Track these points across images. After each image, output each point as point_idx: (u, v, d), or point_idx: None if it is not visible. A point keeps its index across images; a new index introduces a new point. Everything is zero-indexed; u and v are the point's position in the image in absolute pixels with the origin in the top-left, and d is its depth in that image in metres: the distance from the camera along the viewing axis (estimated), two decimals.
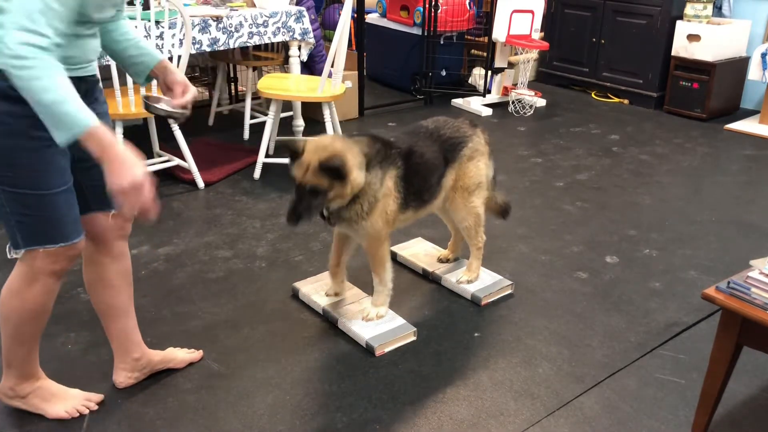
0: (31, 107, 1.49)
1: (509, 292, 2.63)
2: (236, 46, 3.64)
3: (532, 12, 4.84)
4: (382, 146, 2.18)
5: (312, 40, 3.96)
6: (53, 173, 1.65)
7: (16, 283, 1.76)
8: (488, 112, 4.99)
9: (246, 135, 4.31)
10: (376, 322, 2.33)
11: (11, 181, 1.61)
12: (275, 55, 4.36)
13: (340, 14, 3.79)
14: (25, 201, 1.64)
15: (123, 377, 2.05)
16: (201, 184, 3.52)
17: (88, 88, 1.72)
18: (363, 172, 2.08)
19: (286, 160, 3.63)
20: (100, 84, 1.81)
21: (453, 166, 2.40)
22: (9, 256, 1.74)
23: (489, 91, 5.16)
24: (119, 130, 3.18)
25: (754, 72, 4.66)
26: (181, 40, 3.36)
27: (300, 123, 4.17)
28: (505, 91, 5.19)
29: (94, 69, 1.74)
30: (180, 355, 2.17)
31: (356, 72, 4.71)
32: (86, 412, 1.96)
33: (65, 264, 1.75)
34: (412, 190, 2.25)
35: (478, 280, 2.61)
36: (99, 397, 2.00)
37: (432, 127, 2.38)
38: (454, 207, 2.48)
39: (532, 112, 5.04)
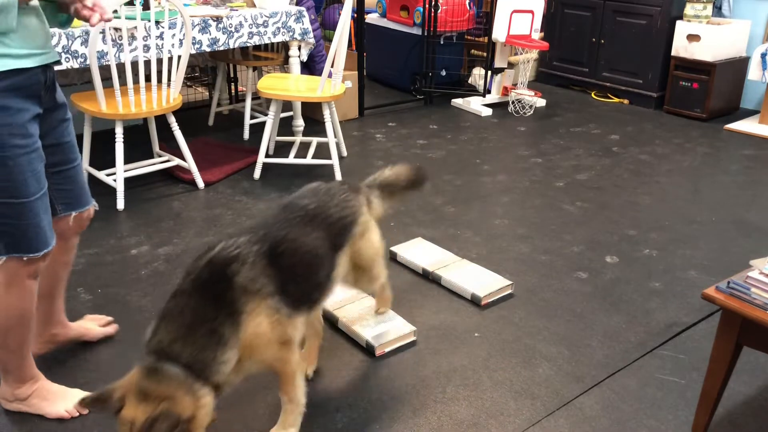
0: (11, 114, 1.52)
1: (509, 292, 2.63)
2: (236, 46, 3.64)
3: (532, 12, 4.85)
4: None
5: (312, 40, 3.96)
6: (30, 180, 1.64)
7: None
8: (488, 112, 4.99)
9: (246, 135, 4.31)
10: (377, 322, 2.33)
11: None
12: (275, 55, 4.36)
13: (340, 14, 3.79)
14: (6, 211, 1.63)
15: (36, 348, 2.10)
16: (201, 184, 3.52)
17: (53, 78, 1.72)
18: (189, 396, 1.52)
19: (286, 160, 3.64)
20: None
21: (344, 251, 1.93)
22: None
23: (489, 91, 5.16)
24: (119, 130, 3.18)
25: (754, 72, 4.66)
26: (181, 40, 3.36)
27: (300, 123, 4.17)
28: (505, 91, 5.19)
29: (55, 55, 1.71)
30: (93, 332, 2.24)
31: (356, 72, 4.71)
32: (86, 411, 1.96)
33: (41, 265, 1.77)
34: (294, 294, 1.71)
35: (477, 280, 2.61)
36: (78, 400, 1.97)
37: (313, 207, 1.86)
38: (357, 286, 2.10)
39: (532, 112, 5.04)
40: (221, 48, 3.57)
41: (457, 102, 5.19)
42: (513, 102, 5.10)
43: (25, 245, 1.68)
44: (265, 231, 1.75)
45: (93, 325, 2.26)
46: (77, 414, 1.95)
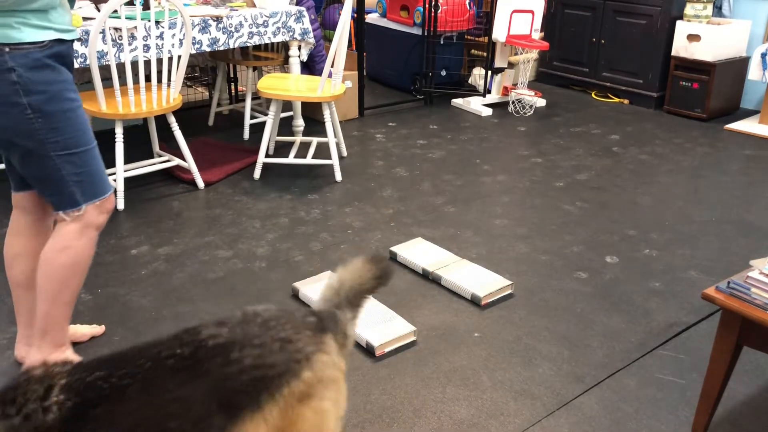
0: (63, 73, 1.75)
1: (509, 292, 2.63)
2: (236, 46, 3.64)
3: (532, 12, 4.85)
4: None
5: (312, 40, 3.96)
6: (87, 130, 1.86)
7: (62, 241, 1.87)
8: (488, 112, 4.99)
9: (246, 135, 4.31)
10: (376, 322, 2.33)
11: (61, 146, 1.78)
12: (275, 55, 4.36)
13: (340, 14, 3.79)
14: (78, 160, 1.82)
15: (24, 351, 2.08)
16: (201, 184, 3.52)
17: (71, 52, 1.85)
18: None
19: (286, 160, 3.64)
20: None
21: (253, 420, 1.26)
22: (68, 218, 1.87)
23: (489, 91, 5.16)
24: (119, 130, 3.18)
25: (754, 72, 4.66)
26: (181, 40, 3.36)
27: (300, 123, 4.17)
28: (505, 91, 5.19)
29: (76, 33, 1.86)
30: (81, 330, 2.24)
31: (356, 72, 4.71)
32: None
33: (105, 216, 1.94)
34: None
35: (477, 280, 2.61)
36: None
37: (215, 342, 1.27)
38: None
39: (532, 112, 5.04)
40: (221, 48, 3.57)
41: (457, 102, 5.19)
42: (513, 102, 5.10)
43: (98, 189, 1.88)
44: (87, 374, 1.17)
45: (80, 326, 2.27)
46: None
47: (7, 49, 1.66)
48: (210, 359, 1.23)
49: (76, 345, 2.20)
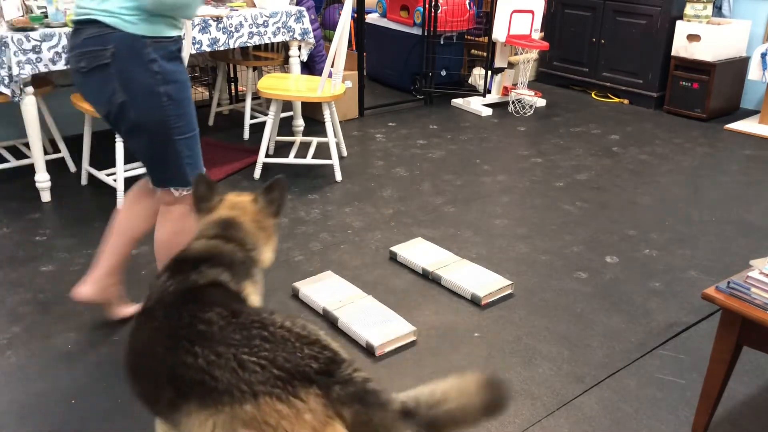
0: (181, 65, 1.95)
1: (509, 292, 2.63)
2: (236, 46, 3.64)
3: (532, 12, 4.84)
4: None
5: (312, 40, 3.96)
6: (195, 113, 2.03)
7: (175, 225, 2.07)
8: (488, 112, 4.99)
9: (246, 135, 4.31)
10: (376, 322, 2.33)
11: (183, 129, 1.97)
12: (275, 55, 4.36)
13: (340, 14, 3.79)
14: (191, 143, 2.01)
15: (90, 291, 2.24)
16: None
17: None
18: None
19: (286, 160, 3.64)
20: None
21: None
22: (176, 195, 2.06)
23: (489, 91, 5.16)
24: None
25: (754, 72, 4.66)
26: None
27: (300, 123, 4.17)
28: (505, 91, 5.19)
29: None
30: (127, 309, 2.38)
31: (356, 72, 4.71)
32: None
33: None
34: None
35: (477, 280, 2.62)
36: None
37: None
38: None
39: (532, 112, 5.04)
40: (221, 48, 3.57)
41: (457, 102, 5.19)
42: (513, 102, 5.10)
43: (199, 169, 2.05)
44: None
45: (130, 306, 2.42)
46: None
47: (148, 42, 1.85)
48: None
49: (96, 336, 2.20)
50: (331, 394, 1.16)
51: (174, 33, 1.93)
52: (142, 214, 2.22)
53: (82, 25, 1.87)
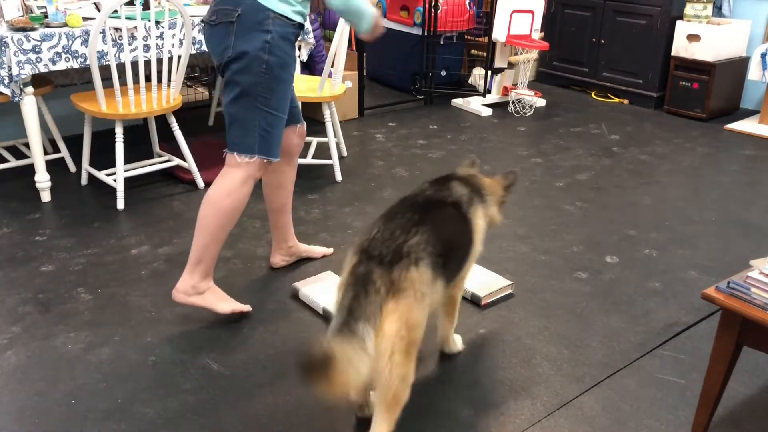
0: (294, 50, 2.16)
1: (509, 292, 2.63)
2: None
3: (532, 12, 4.85)
4: None
5: (312, 40, 3.96)
6: (288, 103, 2.23)
7: (229, 185, 2.21)
8: (488, 112, 4.99)
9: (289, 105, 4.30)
10: None
11: (268, 103, 2.15)
12: None
13: None
14: (272, 120, 2.18)
15: (279, 259, 2.72)
16: (201, 184, 3.52)
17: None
18: None
19: None
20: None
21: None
22: (239, 160, 2.20)
23: (489, 91, 5.16)
24: (119, 130, 3.18)
25: (754, 72, 4.67)
26: (181, 40, 3.36)
27: None
28: (505, 91, 5.19)
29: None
30: (317, 249, 2.82)
31: (356, 72, 4.71)
32: (246, 309, 2.38)
33: (262, 173, 2.27)
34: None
35: (477, 280, 2.62)
36: (247, 307, 2.41)
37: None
38: None
39: (532, 112, 5.04)
40: None
41: (457, 102, 5.19)
42: (513, 102, 5.10)
43: (272, 150, 2.23)
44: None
45: (315, 246, 2.83)
46: (239, 311, 2.36)
47: (272, 15, 2.07)
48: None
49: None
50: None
51: (296, 18, 2.13)
52: (274, 186, 2.55)
53: None
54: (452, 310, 2.14)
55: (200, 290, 2.31)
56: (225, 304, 2.36)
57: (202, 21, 2.22)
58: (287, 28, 2.12)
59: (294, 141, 2.50)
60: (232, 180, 2.22)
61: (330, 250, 2.85)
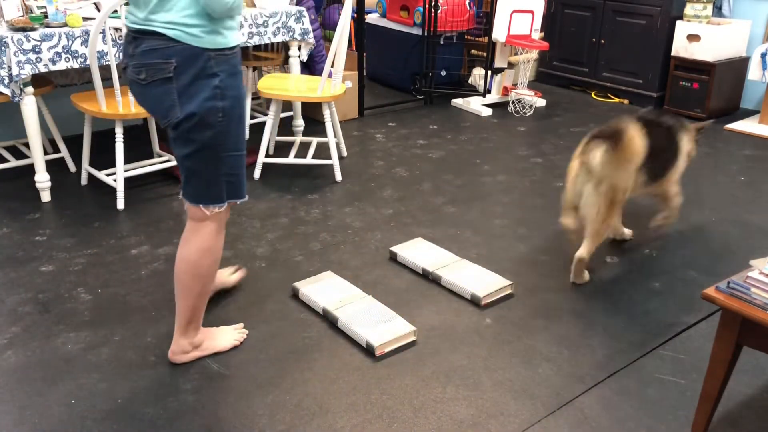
0: (240, 80, 1.89)
1: (509, 292, 2.63)
2: None
3: (532, 12, 4.84)
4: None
5: (312, 40, 3.96)
6: (245, 131, 2.01)
7: (205, 243, 2.02)
8: (488, 112, 4.99)
9: (246, 135, 4.30)
10: (376, 322, 2.33)
11: (230, 146, 1.93)
12: (275, 55, 4.36)
13: (340, 14, 3.79)
14: (235, 162, 1.97)
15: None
16: None
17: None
18: None
19: (286, 160, 3.64)
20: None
21: None
22: (208, 213, 2.00)
23: (489, 91, 5.16)
24: (119, 130, 3.18)
25: (754, 72, 4.66)
26: None
27: (300, 123, 4.17)
28: (505, 91, 5.19)
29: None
30: (225, 275, 2.53)
31: (356, 72, 4.71)
32: (244, 336, 2.29)
33: (228, 214, 2.08)
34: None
35: (477, 280, 2.62)
36: (240, 325, 2.33)
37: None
38: None
39: (532, 112, 5.04)
40: None
41: (457, 102, 5.19)
42: (513, 102, 5.10)
43: (240, 191, 2.03)
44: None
45: (226, 275, 2.54)
46: (242, 339, 2.27)
47: (213, 55, 1.80)
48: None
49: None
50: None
51: (235, 41, 1.88)
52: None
53: (140, 34, 1.82)
54: (665, 203, 3.00)
55: (198, 344, 2.18)
56: (223, 339, 2.24)
57: (128, 77, 1.91)
58: (232, 59, 1.87)
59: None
60: (206, 236, 2.02)
61: (243, 272, 2.55)
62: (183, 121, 1.85)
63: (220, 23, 1.80)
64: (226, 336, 2.26)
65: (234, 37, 1.87)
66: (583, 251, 2.65)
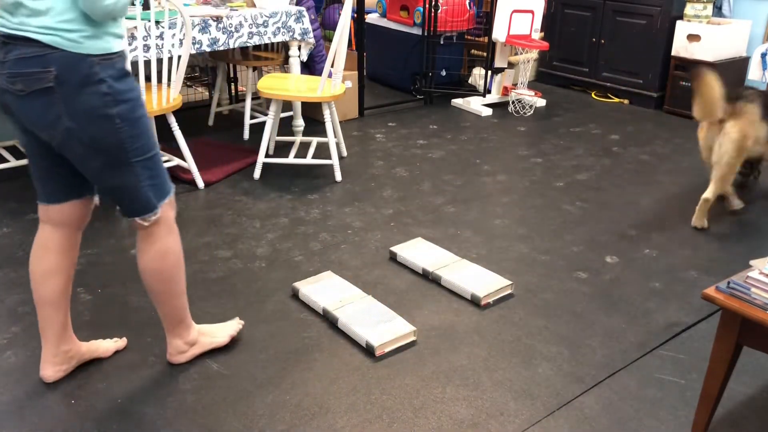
0: (133, 79, 1.79)
1: (509, 292, 2.63)
2: (236, 46, 3.64)
3: (532, 12, 4.85)
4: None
5: (312, 40, 3.96)
6: (152, 130, 1.88)
7: (158, 247, 1.94)
8: (488, 112, 4.99)
9: (246, 135, 4.31)
10: (376, 322, 2.33)
11: (142, 150, 1.81)
12: (275, 55, 4.36)
13: (340, 14, 3.79)
14: (151, 164, 1.85)
15: (53, 371, 2.05)
16: (201, 184, 3.52)
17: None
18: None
19: (286, 160, 3.64)
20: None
21: None
22: (146, 224, 1.91)
23: (489, 91, 5.16)
24: None
25: (754, 72, 4.66)
26: (181, 40, 3.36)
27: (300, 123, 4.17)
28: (505, 91, 5.19)
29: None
30: (104, 345, 2.19)
31: (356, 72, 4.71)
32: (240, 327, 2.28)
33: (174, 210, 1.99)
34: None
35: (477, 280, 2.62)
36: (236, 319, 2.30)
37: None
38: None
39: (532, 112, 5.04)
40: (221, 48, 3.57)
41: (457, 102, 5.19)
42: (513, 102, 5.10)
43: (166, 189, 1.92)
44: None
45: (102, 341, 2.21)
46: (239, 329, 2.26)
47: (97, 60, 1.68)
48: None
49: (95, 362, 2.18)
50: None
51: (119, 47, 1.75)
52: (50, 270, 1.97)
53: (11, 39, 1.63)
54: None
55: (193, 341, 2.16)
56: (220, 334, 2.22)
57: (2, 89, 1.70)
58: (118, 63, 1.73)
59: (78, 213, 1.97)
60: (157, 240, 1.93)
61: (123, 341, 2.24)
62: (75, 135, 1.70)
63: (102, 28, 1.68)
64: (223, 329, 2.24)
65: (118, 43, 1.74)
66: (708, 192, 3.10)
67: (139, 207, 1.87)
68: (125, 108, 1.74)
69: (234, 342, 2.28)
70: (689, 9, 4.90)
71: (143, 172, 1.83)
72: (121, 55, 1.75)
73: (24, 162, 3.48)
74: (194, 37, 3.45)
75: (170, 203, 1.95)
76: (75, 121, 1.69)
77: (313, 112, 4.68)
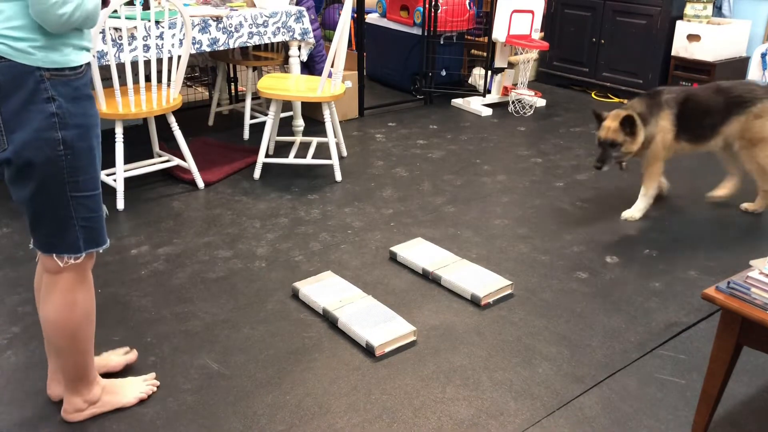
0: (94, 104, 1.61)
1: (509, 292, 2.63)
2: (236, 46, 3.64)
3: (532, 12, 4.84)
4: (652, 99, 3.14)
5: (312, 40, 3.96)
6: (99, 170, 1.70)
7: (66, 298, 1.73)
8: (488, 112, 4.99)
9: (246, 135, 4.31)
10: (376, 322, 2.33)
11: (80, 186, 1.63)
12: (275, 55, 4.36)
13: (340, 14, 3.79)
14: (91, 203, 1.67)
15: (59, 390, 1.97)
16: (201, 184, 3.52)
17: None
18: (642, 131, 3.08)
19: (286, 160, 3.64)
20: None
21: (737, 119, 3.10)
22: (62, 265, 1.70)
23: (489, 91, 5.16)
24: (119, 130, 3.18)
25: (754, 72, 4.66)
26: (181, 40, 3.36)
27: (300, 123, 4.17)
28: (505, 91, 5.19)
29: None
30: (114, 359, 2.11)
31: (356, 72, 4.71)
32: (155, 389, 2.03)
33: (93, 262, 1.79)
34: (685, 127, 3.12)
35: (477, 280, 2.62)
36: (152, 375, 2.07)
37: (725, 86, 3.13)
38: (738, 154, 3.22)
39: (532, 112, 5.04)
40: (221, 48, 3.57)
41: (457, 102, 5.19)
42: (513, 102, 5.10)
43: (100, 238, 1.73)
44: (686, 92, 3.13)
45: (112, 355, 2.14)
46: (151, 392, 2.01)
47: (47, 75, 1.51)
48: (722, 90, 3.13)
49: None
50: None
51: (82, 59, 1.58)
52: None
53: None
54: None
55: (94, 400, 1.91)
56: (128, 392, 1.98)
57: None
58: (75, 81, 1.56)
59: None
60: (65, 289, 1.72)
61: (134, 354, 2.15)
62: (12, 155, 1.53)
63: (59, 39, 1.52)
64: (131, 388, 1.99)
65: (80, 56, 1.57)
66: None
67: (63, 244, 1.67)
68: (74, 134, 1.57)
69: (234, 342, 2.28)
70: (689, 9, 4.90)
71: (79, 210, 1.65)
72: (81, 71, 1.58)
73: None
74: (194, 37, 3.45)
75: (91, 258, 1.76)
76: (13, 140, 1.52)
77: (313, 112, 4.68)
